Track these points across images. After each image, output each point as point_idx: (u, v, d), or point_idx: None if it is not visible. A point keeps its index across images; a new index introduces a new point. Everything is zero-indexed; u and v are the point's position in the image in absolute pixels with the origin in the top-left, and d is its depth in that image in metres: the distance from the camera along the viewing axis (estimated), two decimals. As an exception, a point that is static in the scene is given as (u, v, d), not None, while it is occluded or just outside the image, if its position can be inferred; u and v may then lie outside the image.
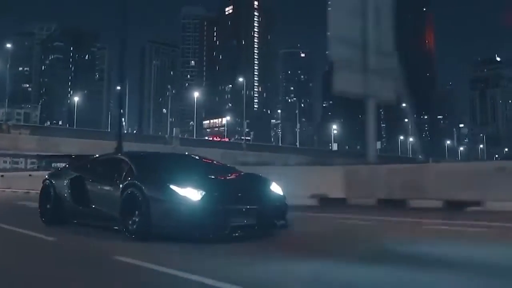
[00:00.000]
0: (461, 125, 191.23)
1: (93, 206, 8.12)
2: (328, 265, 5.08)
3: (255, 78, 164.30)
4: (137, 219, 6.89)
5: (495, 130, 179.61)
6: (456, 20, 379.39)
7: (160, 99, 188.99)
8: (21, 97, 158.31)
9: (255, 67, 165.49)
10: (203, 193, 6.64)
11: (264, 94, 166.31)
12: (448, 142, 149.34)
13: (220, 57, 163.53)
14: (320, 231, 8.12)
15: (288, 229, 7.24)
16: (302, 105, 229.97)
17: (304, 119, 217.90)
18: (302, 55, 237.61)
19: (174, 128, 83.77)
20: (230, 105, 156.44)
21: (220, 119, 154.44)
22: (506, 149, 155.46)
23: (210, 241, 6.44)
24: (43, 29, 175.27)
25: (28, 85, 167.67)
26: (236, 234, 6.61)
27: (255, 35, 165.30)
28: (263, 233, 7.02)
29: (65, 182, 8.80)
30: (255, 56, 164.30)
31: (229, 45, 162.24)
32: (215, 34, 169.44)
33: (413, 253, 5.69)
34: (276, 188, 7.57)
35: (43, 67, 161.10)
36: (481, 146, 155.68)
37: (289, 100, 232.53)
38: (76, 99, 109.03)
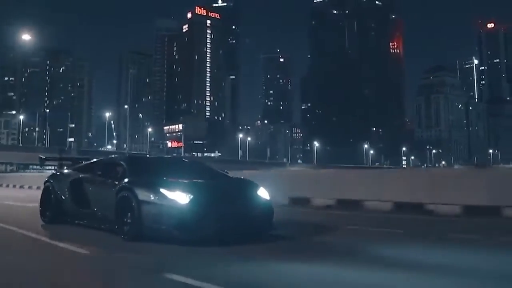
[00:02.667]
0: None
1: (91, 208, 8.44)
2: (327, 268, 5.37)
3: (207, 89, 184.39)
4: (129, 221, 7.16)
5: (437, 134, 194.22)
6: (422, 27, 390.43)
7: (136, 105, 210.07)
8: (8, 105, 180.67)
9: (207, 79, 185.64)
10: (191, 196, 6.86)
11: (216, 103, 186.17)
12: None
13: (179, 70, 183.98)
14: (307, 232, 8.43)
15: (274, 232, 7.49)
16: (281, 107, 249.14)
17: (282, 121, 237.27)
18: (281, 60, 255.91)
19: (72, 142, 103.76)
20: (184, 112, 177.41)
21: (177, 125, 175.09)
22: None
23: (197, 243, 6.56)
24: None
25: (13, 94, 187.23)
26: (223, 238, 6.77)
27: (208, 50, 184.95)
28: (249, 237, 7.05)
29: (65, 183, 9.19)
30: (207, 70, 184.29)
31: (186, 59, 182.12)
32: (175, 49, 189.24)
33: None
34: (263, 193, 7.73)
35: (22, 79, 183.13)
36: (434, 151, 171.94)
37: (269, 103, 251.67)
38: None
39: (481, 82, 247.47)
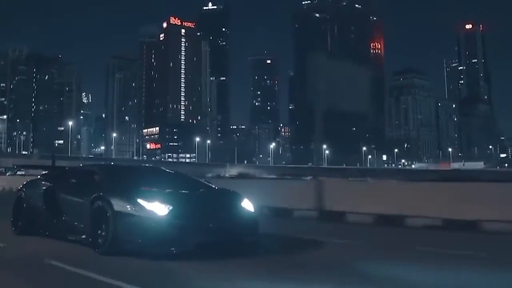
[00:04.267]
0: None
1: (65, 219, 7.94)
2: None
3: (182, 94, 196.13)
4: (104, 233, 6.79)
5: (406, 133, 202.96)
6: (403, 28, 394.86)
7: (123, 108, 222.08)
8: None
9: (182, 85, 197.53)
10: (171, 207, 6.54)
11: (190, 107, 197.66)
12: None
13: (156, 76, 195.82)
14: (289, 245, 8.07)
15: (258, 245, 7.17)
16: (268, 107, 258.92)
17: (270, 121, 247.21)
18: (268, 61, 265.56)
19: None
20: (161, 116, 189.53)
21: (155, 128, 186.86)
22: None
23: (175, 257, 6.28)
24: (15, 50, 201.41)
25: (4, 99, 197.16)
26: (204, 250, 6.48)
27: (182, 58, 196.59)
28: (231, 250, 6.77)
29: (38, 193, 8.66)
30: (182, 76, 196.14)
31: (162, 66, 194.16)
32: (153, 56, 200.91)
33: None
34: (247, 204, 7.44)
35: (11, 85, 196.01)
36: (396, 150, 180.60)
37: (256, 104, 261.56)
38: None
39: (460, 82, 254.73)
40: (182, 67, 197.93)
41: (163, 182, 8.13)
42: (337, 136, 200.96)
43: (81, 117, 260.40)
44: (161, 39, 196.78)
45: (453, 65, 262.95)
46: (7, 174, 59.42)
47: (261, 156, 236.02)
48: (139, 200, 6.72)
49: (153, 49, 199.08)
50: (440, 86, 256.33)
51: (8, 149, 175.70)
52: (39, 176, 10.07)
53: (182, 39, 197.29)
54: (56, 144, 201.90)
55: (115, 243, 6.71)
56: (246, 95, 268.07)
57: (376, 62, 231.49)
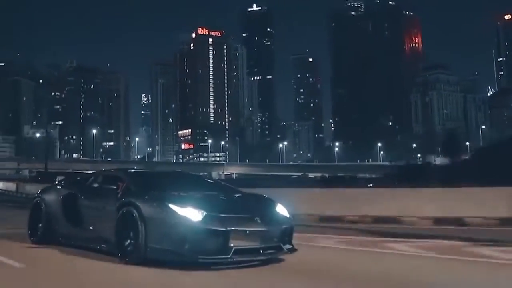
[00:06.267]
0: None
1: (87, 226, 7.67)
2: None
3: (211, 98, 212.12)
4: (132, 241, 6.44)
5: (431, 128, 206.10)
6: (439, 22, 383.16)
7: (167, 111, 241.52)
8: (55, 117, 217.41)
9: (211, 90, 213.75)
10: (204, 213, 6.23)
11: (219, 110, 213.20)
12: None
13: (188, 82, 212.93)
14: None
15: (295, 253, 6.72)
16: (311, 104, 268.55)
17: (313, 118, 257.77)
18: (310, 59, 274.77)
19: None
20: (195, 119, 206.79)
21: (187, 130, 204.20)
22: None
23: (210, 265, 6.03)
24: (67, 62, 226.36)
25: (58, 107, 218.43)
26: (239, 258, 6.20)
27: (211, 65, 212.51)
28: (268, 258, 6.49)
29: (57, 199, 8.42)
30: (211, 81, 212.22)
31: (193, 73, 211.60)
32: (185, 63, 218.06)
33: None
34: (281, 210, 7.15)
35: (62, 95, 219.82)
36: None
37: (299, 101, 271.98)
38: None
39: (500, 73, 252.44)
40: (211, 73, 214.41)
41: (195, 187, 7.80)
42: (370, 133, 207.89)
43: (142, 117, 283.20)
44: (191, 48, 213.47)
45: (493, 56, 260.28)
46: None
47: (301, 152, 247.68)
48: (171, 205, 6.30)
49: (185, 57, 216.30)
50: (476, 79, 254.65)
51: (61, 152, 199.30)
52: (56, 182, 9.60)
53: (210, 48, 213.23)
54: (107, 146, 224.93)
55: (145, 252, 6.26)
56: (291, 93, 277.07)
57: (412, 58, 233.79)
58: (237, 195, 7.80)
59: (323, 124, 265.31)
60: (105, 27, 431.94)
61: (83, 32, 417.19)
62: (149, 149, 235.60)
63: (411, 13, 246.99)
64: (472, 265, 6.67)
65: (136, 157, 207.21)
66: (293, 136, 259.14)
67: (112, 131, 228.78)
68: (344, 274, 6.10)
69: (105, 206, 7.32)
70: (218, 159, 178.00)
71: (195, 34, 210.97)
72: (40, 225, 8.52)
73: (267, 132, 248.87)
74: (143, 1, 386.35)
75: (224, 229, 6.18)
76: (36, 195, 9.34)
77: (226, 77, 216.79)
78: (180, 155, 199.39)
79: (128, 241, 6.56)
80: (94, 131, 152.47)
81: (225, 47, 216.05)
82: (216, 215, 6.35)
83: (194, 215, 6.21)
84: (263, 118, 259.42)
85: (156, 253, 6.27)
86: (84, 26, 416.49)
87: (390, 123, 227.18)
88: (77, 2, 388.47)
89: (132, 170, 8.99)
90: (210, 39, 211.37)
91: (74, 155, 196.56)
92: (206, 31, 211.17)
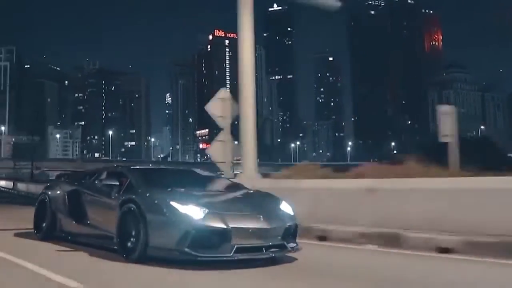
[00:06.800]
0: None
1: (90, 223, 7.73)
2: None
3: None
4: (133, 239, 6.39)
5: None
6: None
7: (187, 111, 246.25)
8: (78, 117, 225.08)
9: (227, 89, 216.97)
10: (206, 210, 6.13)
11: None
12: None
13: (206, 83, 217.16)
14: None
15: (299, 252, 6.60)
16: (332, 104, 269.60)
17: (334, 117, 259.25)
18: (330, 58, 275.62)
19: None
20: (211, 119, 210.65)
21: (205, 130, 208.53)
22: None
23: (211, 264, 5.90)
24: (90, 64, 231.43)
25: (81, 107, 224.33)
26: (241, 257, 6.04)
27: (227, 66, 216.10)
28: (271, 257, 6.35)
29: (62, 195, 8.53)
30: (227, 83, 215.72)
31: (210, 74, 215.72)
32: (203, 64, 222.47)
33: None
34: (286, 207, 6.98)
35: (85, 96, 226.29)
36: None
37: (320, 100, 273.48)
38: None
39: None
40: (227, 74, 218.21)
41: (197, 184, 7.87)
42: (389, 132, 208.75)
43: (167, 116, 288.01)
44: (209, 49, 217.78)
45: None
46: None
47: (321, 151, 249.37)
48: (172, 203, 6.21)
49: (203, 58, 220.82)
50: (499, 77, 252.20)
51: (84, 151, 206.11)
52: (62, 178, 9.69)
53: (226, 49, 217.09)
54: (129, 146, 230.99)
55: (146, 249, 6.18)
56: (311, 92, 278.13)
57: (432, 57, 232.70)
58: (240, 193, 7.68)
59: (343, 123, 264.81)
60: (127, 29, 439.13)
61: (106, 34, 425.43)
62: (171, 148, 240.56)
63: (431, 11, 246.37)
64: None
65: (159, 156, 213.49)
66: (312, 135, 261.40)
67: (134, 131, 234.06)
68: (350, 274, 5.89)
69: (107, 203, 7.38)
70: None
71: (212, 36, 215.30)
72: (45, 221, 8.68)
73: (288, 131, 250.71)
74: (165, 3, 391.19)
75: (226, 227, 6.05)
76: (42, 191, 9.38)
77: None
78: (198, 155, 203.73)
79: (130, 238, 6.49)
80: (111, 132, 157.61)
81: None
82: (218, 213, 6.23)
83: (196, 212, 6.11)
84: (284, 118, 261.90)
85: (157, 251, 6.20)
86: (107, 29, 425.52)
87: (410, 122, 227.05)
88: (101, 6, 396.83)
89: (136, 167, 8.68)
90: (227, 41, 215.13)
91: (96, 155, 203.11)
92: (223, 33, 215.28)
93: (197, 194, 6.86)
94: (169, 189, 6.85)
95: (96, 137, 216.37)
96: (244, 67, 13.52)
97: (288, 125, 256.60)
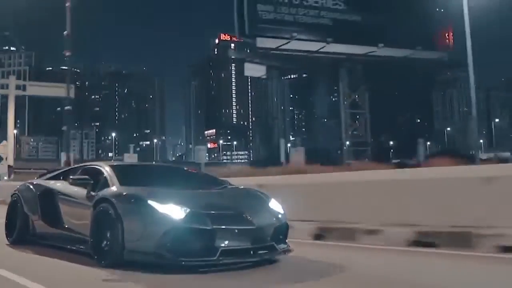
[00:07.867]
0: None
1: (63, 225, 7.31)
2: None
3: (233, 98, 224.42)
4: (109, 242, 5.98)
5: (452, 126, 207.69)
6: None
7: (199, 111, 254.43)
8: (95, 118, 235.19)
9: (233, 91, 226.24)
10: (188, 210, 5.75)
11: (242, 110, 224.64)
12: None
13: (214, 85, 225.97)
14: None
15: (290, 253, 6.20)
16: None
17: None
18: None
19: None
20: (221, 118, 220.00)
21: (212, 130, 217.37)
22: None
23: (194, 269, 5.50)
24: (106, 66, 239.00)
25: (98, 109, 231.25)
26: (227, 261, 5.67)
27: (233, 69, 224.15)
28: (259, 259, 5.97)
29: (34, 196, 8.04)
30: (233, 85, 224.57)
31: (216, 77, 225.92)
32: (210, 68, 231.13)
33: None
34: (275, 205, 6.61)
35: (100, 97, 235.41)
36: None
37: (333, 100, 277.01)
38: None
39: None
40: (233, 77, 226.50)
41: (179, 181, 7.37)
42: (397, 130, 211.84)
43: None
44: (215, 53, 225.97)
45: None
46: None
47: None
48: (150, 202, 5.81)
49: (210, 61, 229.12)
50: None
51: (99, 151, 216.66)
52: (36, 177, 9.10)
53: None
54: (144, 145, 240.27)
55: (123, 253, 5.76)
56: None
57: (442, 55, 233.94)
58: (226, 190, 7.36)
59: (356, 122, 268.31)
60: (141, 32, 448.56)
61: (122, 37, 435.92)
62: (189, 146, 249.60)
63: (441, 10, 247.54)
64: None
65: (177, 154, 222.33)
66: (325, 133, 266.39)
67: (148, 131, 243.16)
68: (345, 277, 5.53)
69: (82, 204, 6.95)
70: (241, 157, 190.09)
71: (218, 40, 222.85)
72: (17, 224, 8.13)
73: (303, 129, 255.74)
74: (179, 6, 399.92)
75: (209, 228, 5.66)
76: (14, 192, 8.69)
77: (249, 80, 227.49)
78: (206, 154, 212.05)
79: (105, 241, 6.07)
80: (114, 134, 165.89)
81: (248, 51, 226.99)
82: (201, 212, 5.84)
83: (176, 212, 5.69)
84: (300, 116, 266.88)
85: (134, 255, 5.76)
86: (123, 33, 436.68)
87: (419, 120, 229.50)
88: (117, 10, 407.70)
89: (114, 163, 8.29)
90: (232, 45, 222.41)
91: (110, 154, 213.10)
92: (228, 37, 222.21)
93: (179, 192, 6.45)
94: (148, 187, 6.49)
95: (109, 137, 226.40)
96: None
97: (303, 123, 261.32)
